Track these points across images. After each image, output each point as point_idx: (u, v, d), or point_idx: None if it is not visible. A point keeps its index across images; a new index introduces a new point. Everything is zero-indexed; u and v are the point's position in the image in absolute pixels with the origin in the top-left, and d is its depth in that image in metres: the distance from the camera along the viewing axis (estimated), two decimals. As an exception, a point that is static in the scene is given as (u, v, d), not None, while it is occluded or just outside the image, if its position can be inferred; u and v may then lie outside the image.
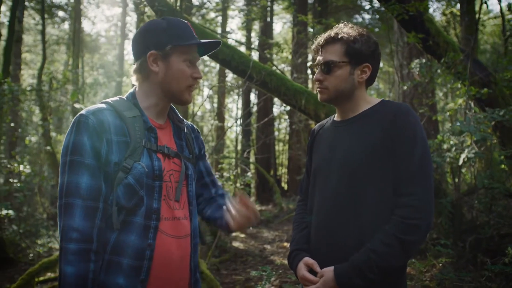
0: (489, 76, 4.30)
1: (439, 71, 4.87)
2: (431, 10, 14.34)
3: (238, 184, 6.04)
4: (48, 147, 8.49)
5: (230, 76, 15.60)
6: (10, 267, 5.17)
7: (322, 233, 1.46)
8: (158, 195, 1.33)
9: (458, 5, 10.27)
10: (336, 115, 1.60)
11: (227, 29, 16.16)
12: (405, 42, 6.52)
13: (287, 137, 16.48)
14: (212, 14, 15.66)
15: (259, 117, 13.24)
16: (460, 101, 4.48)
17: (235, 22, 37.22)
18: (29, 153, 9.11)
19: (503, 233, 3.78)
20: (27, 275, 4.03)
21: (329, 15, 12.61)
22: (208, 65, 17.33)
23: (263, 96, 10.19)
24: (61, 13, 17.24)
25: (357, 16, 15.95)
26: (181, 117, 1.55)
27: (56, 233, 5.65)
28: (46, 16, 12.94)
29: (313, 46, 1.54)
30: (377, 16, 13.89)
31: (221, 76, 14.93)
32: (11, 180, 6.27)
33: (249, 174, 7.26)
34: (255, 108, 13.91)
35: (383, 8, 4.52)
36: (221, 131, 13.27)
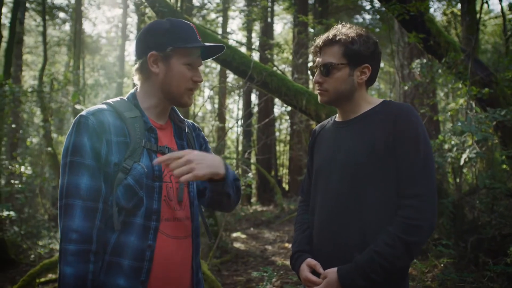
0: (490, 76, 4.29)
1: (440, 71, 4.87)
2: (432, 10, 14.34)
3: (239, 185, 6.04)
4: (49, 148, 8.50)
5: (231, 76, 15.60)
6: (11, 268, 5.18)
7: (324, 233, 1.46)
8: (158, 196, 1.33)
9: (459, 5, 10.25)
10: (337, 115, 1.59)
11: (228, 29, 16.17)
12: (406, 42, 6.51)
13: (288, 138, 16.47)
14: (212, 15, 15.67)
15: (260, 118, 13.25)
16: (461, 101, 4.48)
17: (235, 22, 37.29)
18: (30, 155, 9.12)
19: (504, 233, 3.77)
20: (28, 276, 4.04)
21: (329, 15, 12.61)
22: (209, 66, 17.34)
23: (264, 96, 10.19)
24: (62, 15, 17.27)
25: (357, 16, 15.94)
26: (182, 117, 1.54)
27: (57, 234, 5.65)
28: (47, 17, 12.96)
29: (312, 48, 1.54)
30: (378, 16, 13.88)
31: (222, 76, 14.94)
32: (12, 181, 6.28)
33: (250, 174, 7.26)
34: (256, 109, 13.91)
35: (383, 8, 4.52)
36: (222, 131, 13.28)
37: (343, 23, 1.53)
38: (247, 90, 10.44)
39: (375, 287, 1.31)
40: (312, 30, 11.22)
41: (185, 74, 1.39)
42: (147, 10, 7.39)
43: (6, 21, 12.08)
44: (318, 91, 1.51)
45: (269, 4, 13.96)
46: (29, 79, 18.11)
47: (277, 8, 16.66)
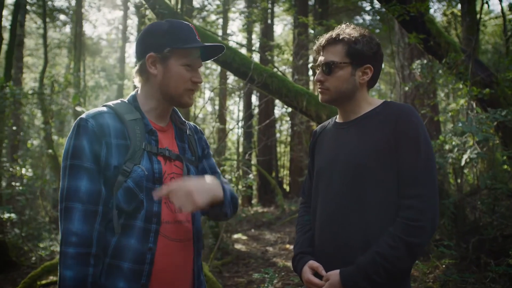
0: (491, 77, 4.28)
1: (440, 71, 4.86)
2: (432, 11, 14.35)
3: (240, 186, 6.04)
4: (50, 151, 8.50)
5: (231, 78, 15.61)
6: (13, 271, 5.18)
7: (326, 235, 1.45)
8: (159, 199, 1.32)
9: (459, 6, 10.26)
10: (337, 116, 1.59)
11: (228, 31, 16.18)
12: (406, 43, 6.51)
13: (289, 139, 16.47)
14: (213, 17, 15.68)
15: (261, 119, 13.24)
16: (462, 101, 4.47)
17: (236, 24, 37.32)
18: (31, 157, 9.12)
19: (506, 234, 3.76)
20: (30, 278, 4.04)
21: (329, 16, 12.61)
22: (209, 67, 17.35)
23: (265, 98, 10.19)
24: (62, 17, 17.30)
25: (357, 17, 15.95)
26: (184, 119, 1.54)
27: (58, 236, 5.65)
28: (47, 20, 12.98)
29: (315, 47, 1.54)
30: (378, 17, 13.88)
31: (222, 78, 14.94)
32: (13, 183, 6.28)
33: (250, 176, 7.25)
34: (256, 110, 13.91)
35: (383, 9, 4.52)
36: (222, 133, 13.27)
37: (347, 23, 1.53)
38: (247, 91, 10.45)
39: None
40: (312, 32, 11.23)
41: (184, 75, 1.38)
42: (148, 12, 7.40)
43: (6, 23, 12.10)
44: (319, 89, 1.51)
45: (269, 5, 13.98)
46: (29, 81, 18.14)
47: (277, 9, 16.68)
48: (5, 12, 11.70)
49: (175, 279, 1.34)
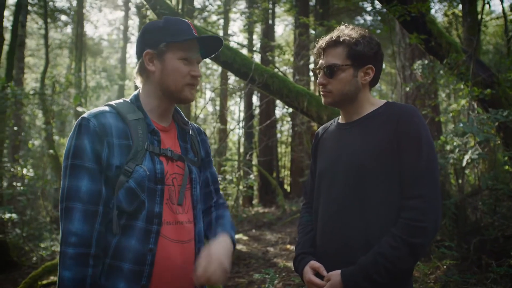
0: (492, 77, 4.28)
1: (441, 72, 4.86)
2: (433, 11, 14.34)
3: (240, 187, 6.04)
4: (51, 151, 8.52)
5: (232, 78, 15.62)
6: (14, 271, 5.18)
7: (328, 235, 1.45)
8: (160, 199, 1.31)
9: (460, 6, 10.25)
10: (340, 117, 1.59)
11: (229, 32, 16.19)
12: (407, 43, 6.50)
13: (290, 139, 16.46)
14: (214, 17, 15.69)
15: (262, 120, 13.24)
16: (463, 102, 4.46)
17: (237, 24, 37.36)
18: (32, 157, 9.14)
19: (507, 234, 3.75)
20: (30, 278, 4.04)
21: (330, 17, 12.61)
22: (210, 68, 17.36)
23: (265, 98, 10.19)
24: (63, 17, 17.34)
25: (358, 17, 15.95)
26: (187, 119, 1.53)
27: (59, 237, 5.66)
28: (48, 20, 13.00)
29: (315, 50, 1.54)
30: (379, 18, 13.89)
31: (223, 78, 14.94)
32: (14, 183, 6.29)
33: (251, 176, 7.26)
34: (257, 111, 13.91)
35: (384, 10, 4.52)
36: (223, 133, 13.28)
37: (346, 24, 1.52)
38: (248, 92, 10.45)
39: None
40: (313, 32, 11.22)
41: (181, 69, 1.36)
42: (149, 12, 7.41)
43: (8, 24, 12.13)
44: (322, 92, 1.50)
45: (270, 6, 13.98)
46: (31, 81, 18.16)
47: (278, 10, 16.68)
48: (6, 13, 11.71)
49: (175, 280, 1.33)
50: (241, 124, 9.36)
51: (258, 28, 15.60)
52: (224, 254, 1.33)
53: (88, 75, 15.66)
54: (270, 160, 13.76)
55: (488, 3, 4.28)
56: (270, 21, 14.96)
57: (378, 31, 12.63)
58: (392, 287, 1.33)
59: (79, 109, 8.58)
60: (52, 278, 4.44)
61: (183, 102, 1.42)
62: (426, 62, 5.17)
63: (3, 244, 5.31)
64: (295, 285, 3.79)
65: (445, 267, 3.54)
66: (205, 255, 1.32)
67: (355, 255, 1.35)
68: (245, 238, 7.16)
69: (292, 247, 5.83)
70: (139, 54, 1.40)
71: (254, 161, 13.38)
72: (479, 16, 4.94)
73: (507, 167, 4.41)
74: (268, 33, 14.41)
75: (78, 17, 13.32)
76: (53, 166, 8.84)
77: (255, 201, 13.41)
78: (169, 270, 1.31)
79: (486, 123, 3.48)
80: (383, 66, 1.56)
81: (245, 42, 15.99)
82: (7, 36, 7.96)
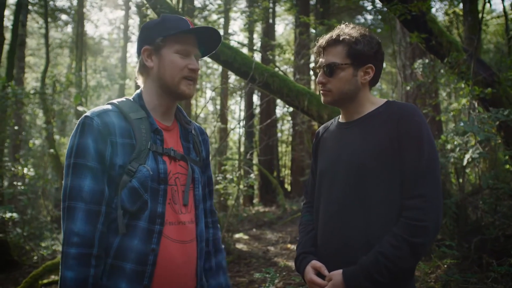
0: (493, 76, 4.27)
1: (442, 71, 4.85)
2: (433, 10, 14.31)
3: (241, 186, 6.03)
4: (52, 150, 8.53)
5: (232, 77, 15.60)
6: (14, 270, 5.19)
7: (328, 235, 1.45)
8: (163, 199, 1.31)
9: (461, 5, 10.24)
10: (340, 116, 1.58)
11: (229, 31, 16.18)
12: (408, 42, 6.50)
13: (290, 139, 16.46)
14: (214, 16, 15.68)
15: (262, 119, 13.24)
16: (463, 101, 4.46)
17: (237, 24, 37.37)
18: (33, 156, 9.14)
19: (508, 233, 3.75)
20: (31, 277, 4.05)
21: (331, 16, 12.59)
22: (211, 67, 17.35)
23: (266, 97, 10.19)
24: (64, 17, 17.34)
25: (359, 16, 15.93)
26: (189, 119, 1.52)
27: (60, 236, 5.67)
28: (49, 19, 13.00)
29: (315, 48, 1.53)
30: (379, 17, 13.88)
31: (224, 77, 14.93)
32: (15, 183, 6.29)
33: (252, 175, 7.26)
34: (257, 110, 13.91)
35: (385, 9, 4.51)
36: (224, 133, 13.28)
37: (346, 23, 1.52)
38: (249, 91, 10.44)
39: None
40: (313, 31, 11.20)
41: (178, 62, 1.36)
42: (149, 11, 7.40)
43: (8, 23, 12.14)
44: (321, 91, 1.50)
45: (271, 5, 13.97)
46: (31, 81, 18.17)
47: (279, 9, 16.67)
48: (6, 12, 11.72)
49: (177, 280, 1.32)
50: (241, 123, 9.34)
51: (258, 27, 15.59)
52: None
53: (88, 75, 15.66)
54: (270, 159, 13.77)
55: (489, 2, 4.28)
56: (271, 20, 14.96)
57: (379, 30, 12.62)
58: (394, 286, 1.33)
59: (80, 108, 8.58)
60: (53, 277, 4.45)
61: (181, 97, 1.41)
62: (426, 61, 5.17)
63: (4, 244, 5.31)
64: (296, 285, 3.79)
65: (445, 266, 3.54)
66: None
67: (355, 255, 1.34)
68: (245, 237, 7.16)
69: (293, 246, 5.83)
70: (139, 52, 1.41)
71: (255, 160, 13.38)
72: (480, 15, 4.94)
73: (507, 166, 4.41)
74: (269, 32, 14.40)
75: (79, 16, 13.32)
76: (54, 165, 8.85)
77: (255, 200, 13.42)
78: (171, 270, 1.30)
79: (487, 122, 3.48)
80: (384, 65, 1.55)
81: (246, 41, 15.98)
82: (8, 35, 7.96)
